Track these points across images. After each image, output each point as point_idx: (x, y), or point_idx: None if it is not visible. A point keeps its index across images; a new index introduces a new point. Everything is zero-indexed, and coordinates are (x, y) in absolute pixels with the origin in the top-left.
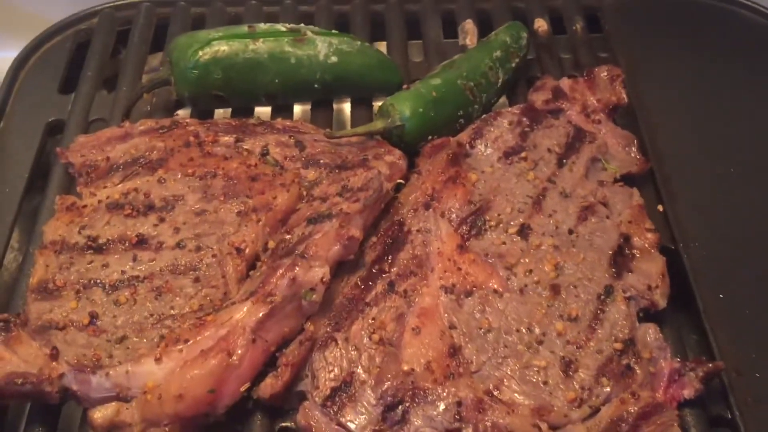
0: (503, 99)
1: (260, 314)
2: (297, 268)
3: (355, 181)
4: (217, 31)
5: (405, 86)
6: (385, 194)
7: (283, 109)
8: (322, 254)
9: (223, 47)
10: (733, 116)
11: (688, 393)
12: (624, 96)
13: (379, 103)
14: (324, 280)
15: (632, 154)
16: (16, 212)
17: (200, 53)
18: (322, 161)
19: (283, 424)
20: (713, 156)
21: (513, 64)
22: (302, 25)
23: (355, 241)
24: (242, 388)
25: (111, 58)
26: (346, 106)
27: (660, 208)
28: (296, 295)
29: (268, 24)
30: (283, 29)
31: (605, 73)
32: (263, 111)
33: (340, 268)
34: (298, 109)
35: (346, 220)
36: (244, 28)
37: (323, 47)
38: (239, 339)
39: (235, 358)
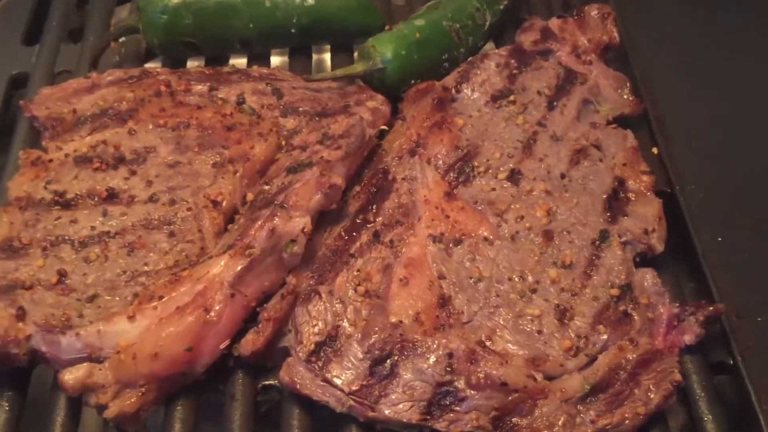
0: (490, 43)
1: (238, 267)
2: (276, 219)
3: (336, 128)
4: None
5: (387, 28)
6: (368, 141)
7: (259, 58)
8: (302, 204)
9: None
10: (729, 54)
11: (688, 339)
12: (616, 35)
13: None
14: (305, 230)
15: (625, 96)
16: None
17: None
18: (301, 109)
19: (266, 382)
20: (709, 96)
21: (501, 6)
22: None
23: (337, 190)
24: (222, 346)
25: (77, 10)
26: (326, 55)
27: (654, 150)
28: (276, 247)
29: None
30: None
31: (595, 12)
32: (238, 62)
33: (323, 219)
34: (275, 58)
35: (327, 168)
36: None
37: None
38: (217, 294)
39: (212, 314)
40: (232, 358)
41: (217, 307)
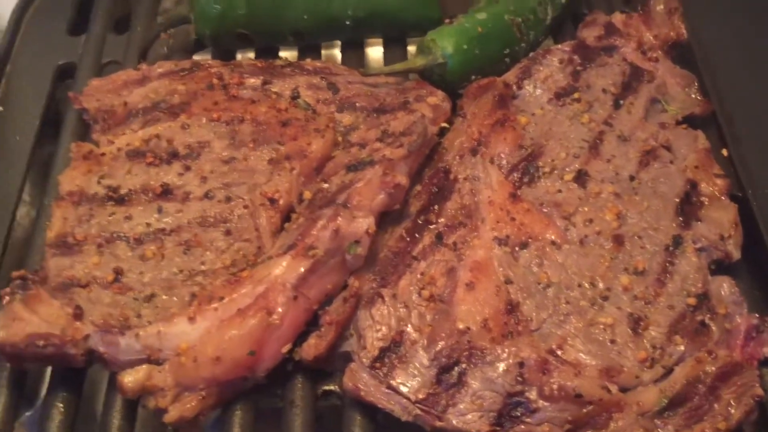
0: (549, 39)
1: (301, 269)
2: (340, 219)
3: (396, 126)
4: None
5: (447, 20)
6: (430, 139)
7: (309, 51)
8: (365, 204)
9: None
10: None
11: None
12: (683, 30)
13: (414, 44)
14: (369, 231)
15: (693, 95)
16: (27, 163)
17: None
18: (357, 104)
19: (327, 388)
20: None
21: (563, 0)
22: None
23: (401, 189)
24: (284, 350)
25: None
26: (378, 49)
27: (724, 152)
28: (339, 249)
29: None
30: None
31: (661, 6)
32: (288, 54)
33: (383, 220)
34: (326, 52)
35: (390, 167)
36: None
37: None
38: (279, 296)
39: (275, 316)
40: (291, 363)
41: (280, 310)
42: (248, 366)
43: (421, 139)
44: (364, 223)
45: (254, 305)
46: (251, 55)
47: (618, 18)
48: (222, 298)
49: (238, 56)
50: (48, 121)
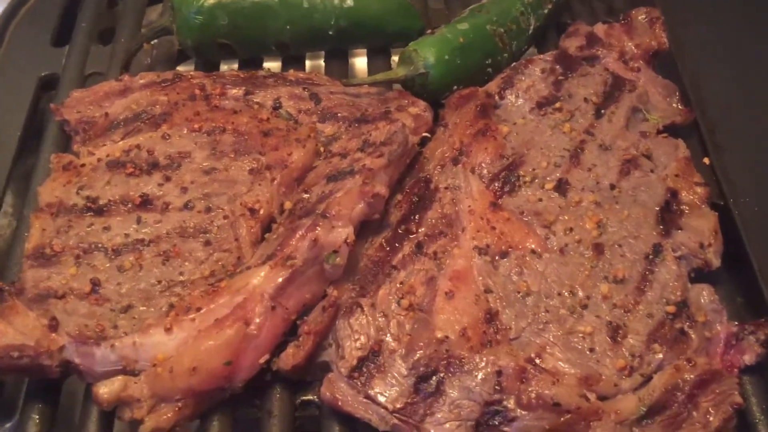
0: (532, 48)
1: (279, 279)
2: (318, 229)
3: (377, 135)
4: None
5: (429, 31)
6: (411, 148)
7: (293, 61)
8: (345, 213)
9: None
10: None
11: (748, 359)
12: (665, 40)
13: (397, 54)
14: (348, 241)
15: (674, 104)
16: (8, 173)
17: None
18: (339, 114)
19: (305, 398)
20: (760, 103)
21: (546, 10)
22: None
23: (380, 199)
24: (261, 360)
25: (107, 10)
26: (362, 59)
27: (706, 160)
28: (318, 258)
29: None
30: None
31: (643, 16)
32: (272, 65)
33: (364, 229)
34: (310, 62)
35: (370, 176)
36: None
37: None
38: (257, 306)
39: (253, 327)
40: (269, 372)
41: (258, 320)
42: (225, 376)
43: (401, 148)
44: (343, 232)
45: (231, 315)
46: (235, 66)
47: (600, 28)
48: (199, 309)
49: (222, 67)
50: (30, 133)
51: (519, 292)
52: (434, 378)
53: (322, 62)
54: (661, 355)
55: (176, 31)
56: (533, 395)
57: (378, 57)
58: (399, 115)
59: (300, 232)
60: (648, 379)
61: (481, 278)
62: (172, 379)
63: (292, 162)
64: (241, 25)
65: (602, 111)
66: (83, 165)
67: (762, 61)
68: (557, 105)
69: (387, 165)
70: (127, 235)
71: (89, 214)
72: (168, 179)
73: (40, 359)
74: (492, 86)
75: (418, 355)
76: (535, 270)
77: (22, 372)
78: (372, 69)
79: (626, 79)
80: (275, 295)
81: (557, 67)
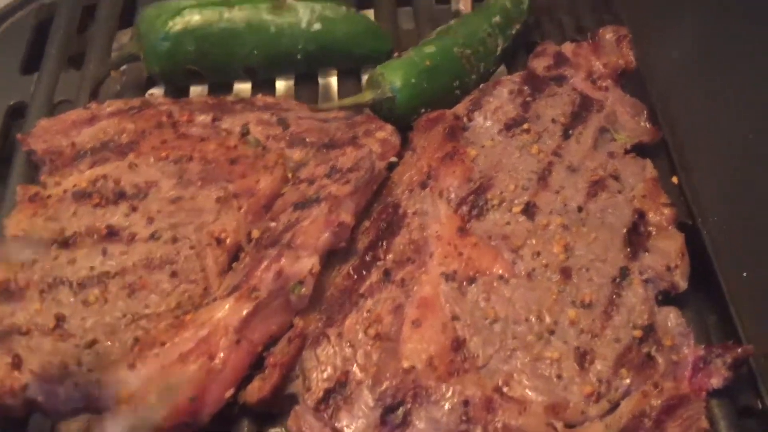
0: (502, 68)
1: (244, 312)
2: (283, 260)
3: (344, 161)
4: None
5: (396, 54)
6: (378, 174)
7: (264, 85)
8: (310, 243)
9: (195, 16)
10: (749, 78)
11: (716, 382)
12: (632, 58)
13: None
14: (313, 271)
15: (642, 123)
16: None
17: (171, 23)
18: (307, 140)
19: (273, 430)
20: (729, 122)
21: (513, 31)
22: None
23: (346, 228)
24: (227, 394)
25: (77, 35)
26: (333, 80)
27: (674, 179)
28: (283, 289)
29: None
30: None
31: (611, 34)
32: (243, 88)
33: (331, 257)
34: (280, 84)
35: (336, 204)
36: None
37: (305, 14)
38: (221, 340)
39: (217, 361)
40: (236, 406)
41: (222, 354)
42: (190, 412)
43: (368, 174)
44: (308, 262)
45: (196, 350)
46: (206, 88)
47: (567, 48)
48: (164, 343)
49: (193, 90)
50: None
51: (486, 319)
52: (401, 409)
53: (293, 83)
54: (628, 380)
55: (143, 58)
56: (500, 426)
57: (348, 80)
58: (366, 140)
59: (265, 263)
60: (615, 405)
61: (448, 305)
62: (137, 416)
63: (259, 189)
64: (208, 51)
65: (570, 132)
66: (49, 196)
67: (730, 79)
68: (525, 126)
69: (353, 192)
70: (92, 268)
71: (55, 246)
72: (134, 209)
73: (4, 399)
74: (460, 108)
75: (384, 385)
76: (502, 296)
77: None
78: (342, 91)
79: (594, 99)
80: (240, 328)
81: (525, 87)
